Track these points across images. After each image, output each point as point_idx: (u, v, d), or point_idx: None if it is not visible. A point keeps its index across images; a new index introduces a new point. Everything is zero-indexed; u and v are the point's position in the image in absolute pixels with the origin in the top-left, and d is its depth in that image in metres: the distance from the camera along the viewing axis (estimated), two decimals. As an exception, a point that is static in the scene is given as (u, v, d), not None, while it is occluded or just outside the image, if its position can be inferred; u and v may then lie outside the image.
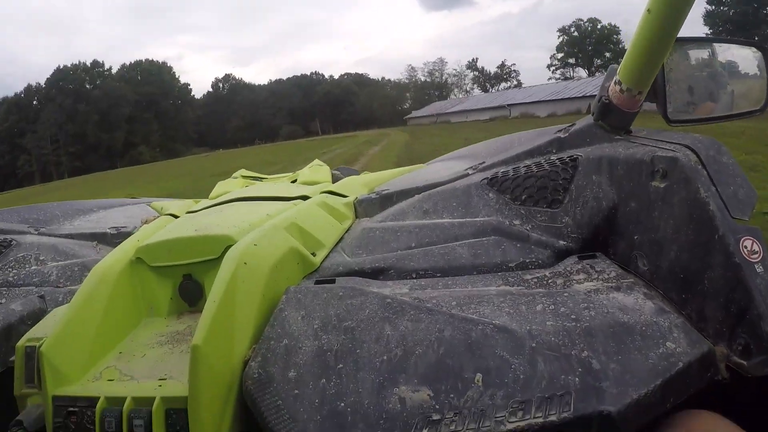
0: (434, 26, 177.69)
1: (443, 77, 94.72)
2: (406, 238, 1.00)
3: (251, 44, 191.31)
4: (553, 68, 74.54)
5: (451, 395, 0.62)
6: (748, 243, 0.65)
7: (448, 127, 40.88)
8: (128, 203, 1.78)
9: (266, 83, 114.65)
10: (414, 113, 68.91)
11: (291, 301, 0.80)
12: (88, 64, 72.84)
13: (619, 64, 0.88)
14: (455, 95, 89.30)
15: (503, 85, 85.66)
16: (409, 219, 1.08)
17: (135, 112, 75.08)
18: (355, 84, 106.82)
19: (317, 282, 0.88)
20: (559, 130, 1.05)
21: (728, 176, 0.72)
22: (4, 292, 1.08)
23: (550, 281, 0.80)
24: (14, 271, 1.17)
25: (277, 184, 1.57)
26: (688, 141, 0.77)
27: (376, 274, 0.93)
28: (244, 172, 1.85)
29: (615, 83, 0.89)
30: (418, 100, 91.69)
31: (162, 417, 0.70)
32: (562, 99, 34.45)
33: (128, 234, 1.24)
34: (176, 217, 1.18)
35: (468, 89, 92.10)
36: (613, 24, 67.89)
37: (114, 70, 77.75)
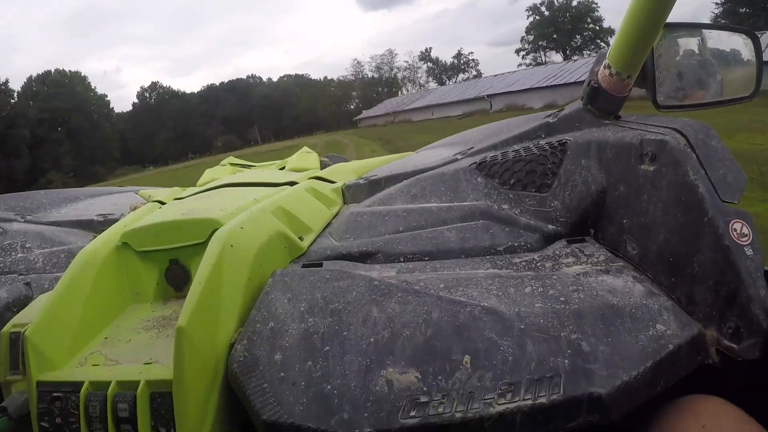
0: (374, 26, 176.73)
1: (393, 72, 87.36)
2: (394, 222, 1.00)
3: (191, 53, 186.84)
4: (523, 53, 68.37)
5: (439, 377, 0.62)
6: (737, 226, 0.65)
7: (411, 128, 34.45)
8: (116, 191, 1.78)
9: (198, 90, 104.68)
10: (365, 113, 61.48)
11: (277, 284, 0.79)
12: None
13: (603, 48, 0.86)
14: (407, 91, 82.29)
15: (461, 76, 79.28)
16: (397, 203, 1.08)
17: (42, 133, 64.94)
18: (296, 86, 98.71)
19: (304, 266, 0.88)
20: (548, 115, 1.05)
21: (717, 160, 0.71)
22: None
23: (538, 264, 0.80)
24: (0, 258, 1.18)
25: (266, 171, 1.56)
26: (677, 125, 0.77)
27: (364, 257, 0.93)
28: (232, 159, 1.83)
29: (604, 67, 0.89)
30: (366, 99, 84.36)
31: (147, 400, 0.70)
32: (561, 85, 27.73)
33: (115, 221, 1.24)
34: (163, 203, 1.18)
35: (422, 83, 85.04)
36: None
37: (18, 85, 67.51)
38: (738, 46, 1.00)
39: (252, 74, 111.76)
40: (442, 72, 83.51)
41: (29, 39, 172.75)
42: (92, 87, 76.17)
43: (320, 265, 0.86)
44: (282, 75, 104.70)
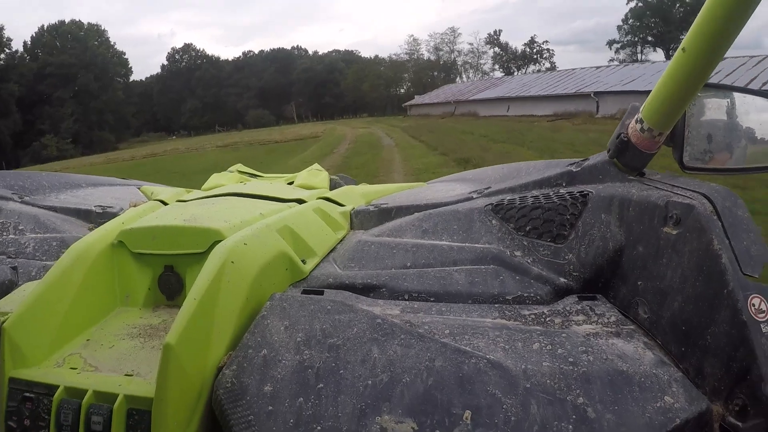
0: (433, 11, 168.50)
1: (452, 55, 75.74)
2: (402, 257, 0.97)
3: (245, 23, 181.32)
4: (617, 46, 56.02)
5: (437, 431, 0.59)
6: (756, 301, 0.63)
7: (479, 126, 23.89)
8: (118, 183, 1.74)
9: (233, 58, 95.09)
10: (418, 99, 50.41)
11: (275, 309, 0.76)
12: None
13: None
14: (468, 78, 70.67)
15: (532, 68, 67.32)
16: (407, 237, 1.05)
17: (44, 89, 56.30)
18: (343, 61, 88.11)
19: (304, 291, 0.86)
20: (572, 164, 1.02)
21: (742, 230, 0.70)
22: None
23: (548, 319, 0.77)
24: None
25: (274, 184, 1.51)
26: (705, 190, 0.75)
27: (368, 290, 0.90)
28: (240, 167, 1.79)
29: (636, 121, 0.86)
30: (419, 83, 73.29)
31: (123, 416, 0.67)
32: None
33: (114, 214, 1.22)
34: (165, 204, 1.15)
35: (486, 71, 73.32)
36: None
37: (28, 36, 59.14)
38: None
39: (297, 45, 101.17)
40: (510, 60, 71.48)
41: None
42: (111, 43, 67.18)
43: (321, 292, 0.84)
44: (330, 50, 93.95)
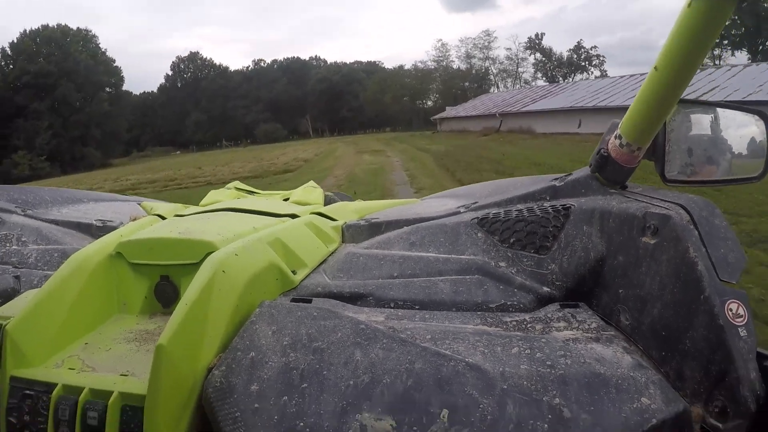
0: (457, 28, 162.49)
1: (486, 62, 67.00)
2: (389, 267, 1.01)
3: (270, 39, 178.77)
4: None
5: (414, 428, 0.61)
6: (733, 306, 0.65)
7: (543, 145, 16.94)
8: (119, 199, 1.79)
9: (242, 68, 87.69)
10: (450, 111, 41.91)
11: (264, 315, 0.80)
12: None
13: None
14: (505, 88, 61.89)
15: (579, 76, 58.30)
16: (395, 249, 1.08)
17: (20, 101, 49.10)
18: (364, 72, 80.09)
19: (293, 300, 0.89)
20: (555, 179, 1.06)
21: (719, 238, 0.72)
22: None
23: (529, 326, 0.79)
24: None
25: (269, 200, 1.56)
26: (682, 200, 0.78)
27: (354, 299, 0.93)
28: (237, 184, 1.84)
29: (615, 137, 0.89)
30: (447, 94, 64.87)
31: (117, 412, 0.70)
32: None
33: (113, 228, 1.26)
34: (163, 218, 1.20)
35: (527, 80, 64.44)
36: None
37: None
38: (749, 126, 1.01)
39: (316, 56, 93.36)
40: (555, 68, 62.49)
41: (111, 7, 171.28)
42: (101, 50, 59.87)
43: (309, 301, 0.87)
44: (350, 61, 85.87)
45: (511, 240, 0.99)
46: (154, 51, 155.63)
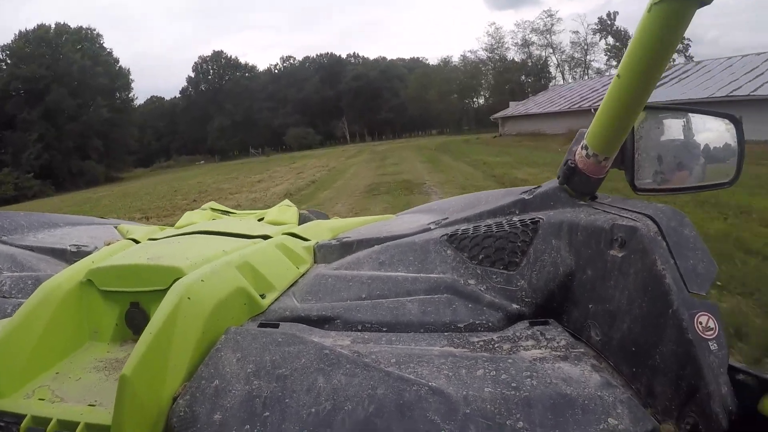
0: (500, 26, 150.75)
1: (546, 51, 57.16)
2: (357, 289, 0.99)
3: (312, 44, 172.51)
4: None
5: None
6: (703, 319, 0.64)
7: None
8: (96, 222, 1.79)
9: (269, 66, 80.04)
10: (515, 107, 32.59)
11: (229, 342, 0.79)
12: None
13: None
14: (572, 79, 52.13)
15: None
16: (364, 269, 1.07)
17: (11, 110, 42.53)
18: (406, 68, 71.34)
19: (261, 325, 0.88)
20: (524, 192, 1.06)
21: (688, 249, 0.71)
22: None
23: (496, 346, 0.78)
24: None
25: (242, 221, 1.53)
26: (650, 211, 0.77)
27: (322, 322, 0.92)
28: (213, 204, 1.82)
29: (582, 148, 0.88)
30: (499, 89, 55.56)
31: None
32: None
33: (88, 253, 1.25)
34: (137, 242, 1.20)
35: (600, 69, 54.42)
36: None
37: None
38: (720, 130, 1.00)
39: (354, 53, 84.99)
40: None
41: (157, 14, 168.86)
42: (107, 50, 52.94)
43: (277, 326, 0.86)
44: (393, 57, 76.91)
45: (480, 257, 0.97)
46: (195, 58, 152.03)
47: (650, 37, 0.71)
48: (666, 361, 0.65)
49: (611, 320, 0.74)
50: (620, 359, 0.71)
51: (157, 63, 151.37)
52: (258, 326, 0.86)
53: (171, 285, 0.84)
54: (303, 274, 1.12)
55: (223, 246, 1.08)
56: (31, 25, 48.68)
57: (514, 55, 57.96)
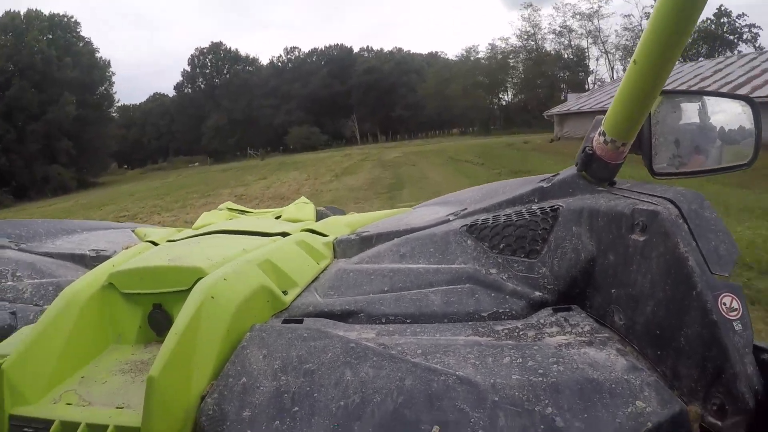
0: (517, 26, 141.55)
1: (587, 40, 49.88)
2: (380, 282, 1.00)
3: (325, 43, 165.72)
4: None
5: None
6: (727, 300, 0.65)
7: None
8: (113, 227, 1.80)
9: (271, 58, 73.50)
10: (576, 99, 24.96)
11: (254, 339, 0.80)
12: None
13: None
14: (617, 71, 44.65)
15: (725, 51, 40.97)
16: (385, 262, 1.07)
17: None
18: (425, 63, 64.44)
19: (285, 321, 0.89)
20: (543, 180, 1.06)
21: (710, 231, 0.72)
22: None
23: (521, 333, 0.79)
24: None
25: (260, 220, 1.56)
26: (671, 194, 0.78)
27: (346, 316, 0.92)
28: (230, 204, 1.84)
29: (599, 134, 0.89)
30: (529, 86, 48.73)
31: None
32: None
33: (107, 257, 1.26)
34: (156, 244, 1.20)
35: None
36: None
37: None
38: (736, 113, 1.01)
39: (367, 46, 77.75)
40: (696, 41, 44.57)
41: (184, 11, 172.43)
42: (84, 39, 46.34)
43: (301, 321, 0.87)
44: (407, 49, 69.77)
45: (501, 246, 0.98)
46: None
47: (665, 23, 0.72)
48: (691, 343, 0.65)
49: (634, 304, 0.74)
50: (645, 343, 0.72)
51: (163, 59, 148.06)
52: (282, 322, 0.86)
53: (193, 285, 0.85)
54: (324, 270, 1.13)
55: (243, 245, 1.09)
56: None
57: (549, 45, 50.85)
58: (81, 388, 0.80)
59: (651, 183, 0.86)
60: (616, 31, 49.03)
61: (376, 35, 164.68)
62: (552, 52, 49.98)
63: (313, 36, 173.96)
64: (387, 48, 68.71)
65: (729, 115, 1.00)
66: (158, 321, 0.92)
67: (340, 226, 1.40)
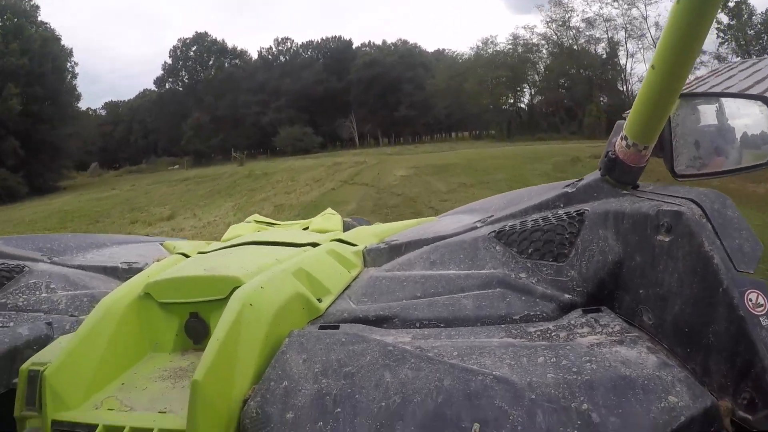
0: (522, 29, 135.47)
1: (622, 33, 43.56)
2: (412, 288, 1.03)
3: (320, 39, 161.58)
4: None
5: None
6: (753, 296, 0.66)
7: None
8: (142, 240, 1.85)
9: (260, 49, 67.28)
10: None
11: (293, 344, 0.82)
12: None
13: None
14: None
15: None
16: (416, 269, 1.11)
17: None
18: (435, 59, 58.23)
19: (321, 327, 0.91)
20: (567, 185, 1.08)
21: (733, 229, 0.73)
22: (13, 316, 1.13)
23: (553, 334, 0.81)
24: (24, 296, 1.22)
25: (289, 231, 1.62)
26: (693, 195, 0.80)
27: (380, 322, 0.95)
28: (257, 217, 1.90)
29: (621, 138, 0.92)
30: (553, 86, 42.87)
31: None
32: None
33: (139, 270, 1.29)
34: (187, 256, 1.22)
35: (722, 55, 40.33)
36: None
37: None
38: (754, 113, 1.02)
39: (370, 41, 70.68)
40: (755, 38, 38.22)
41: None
42: (38, 25, 39.68)
43: (337, 327, 0.89)
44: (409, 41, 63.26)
45: (529, 250, 1.01)
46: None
47: (681, 28, 0.73)
48: (719, 339, 0.66)
49: (663, 303, 0.76)
50: (674, 341, 0.73)
51: (158, 56, 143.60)
52: (318, 328, 0.88)
53: (230, 294, 0.87)
54: (355, 278, 1.16)
55: (275, 255, 1.12)
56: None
57: (582, 38, 44.41)
58: (121, 394, 0.82)
59: (673, 185, 0.88)
60: (655, 24, 42.02)
61: (376, 36, 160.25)
62: (584, 44, 43.64)
63: (310, 36, 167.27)
64: (390, 41, 62.14)
65: (747, 115, 1.01)
66: (195, 329, 0.94)
67: (367, 235, 1.43)
